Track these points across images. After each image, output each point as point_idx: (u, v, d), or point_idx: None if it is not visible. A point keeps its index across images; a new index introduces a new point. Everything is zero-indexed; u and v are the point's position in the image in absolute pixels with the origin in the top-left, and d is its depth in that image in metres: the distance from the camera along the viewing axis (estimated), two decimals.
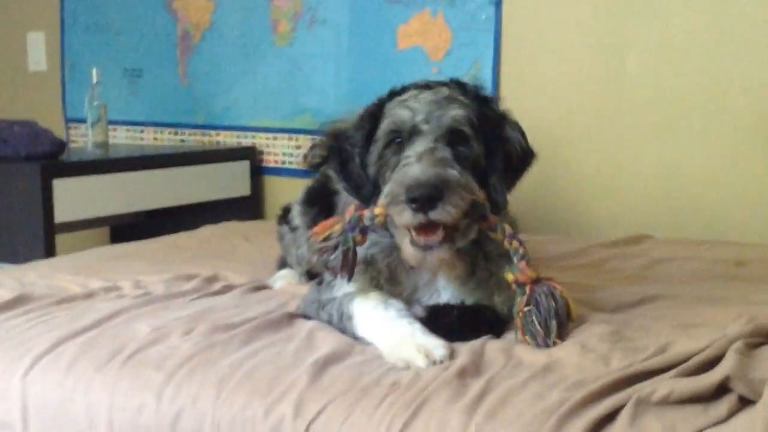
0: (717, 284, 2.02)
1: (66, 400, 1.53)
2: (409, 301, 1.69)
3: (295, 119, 3.54)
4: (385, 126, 1.64)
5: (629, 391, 1.27)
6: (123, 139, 3.89)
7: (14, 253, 2.82)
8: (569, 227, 2.98)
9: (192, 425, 1.44)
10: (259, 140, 3.62)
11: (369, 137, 1.68)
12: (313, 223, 2.12)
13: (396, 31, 3.29)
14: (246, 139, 3.65)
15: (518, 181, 1.72)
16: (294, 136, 3.55)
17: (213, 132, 3.72)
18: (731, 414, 1.21)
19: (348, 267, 1.61)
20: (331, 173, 2.21)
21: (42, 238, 2.79)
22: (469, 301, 1.68)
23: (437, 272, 1.68)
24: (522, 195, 2.90)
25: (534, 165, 1.73)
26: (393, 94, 1.70)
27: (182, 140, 3.80)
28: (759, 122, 2.73)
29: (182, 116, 3.79)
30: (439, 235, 1.54)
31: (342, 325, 1.67)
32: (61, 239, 3.01)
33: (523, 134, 1.72)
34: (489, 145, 1.65)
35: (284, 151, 3.57)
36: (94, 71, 3.34)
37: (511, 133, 1.69)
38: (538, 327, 1.53)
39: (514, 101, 3.03)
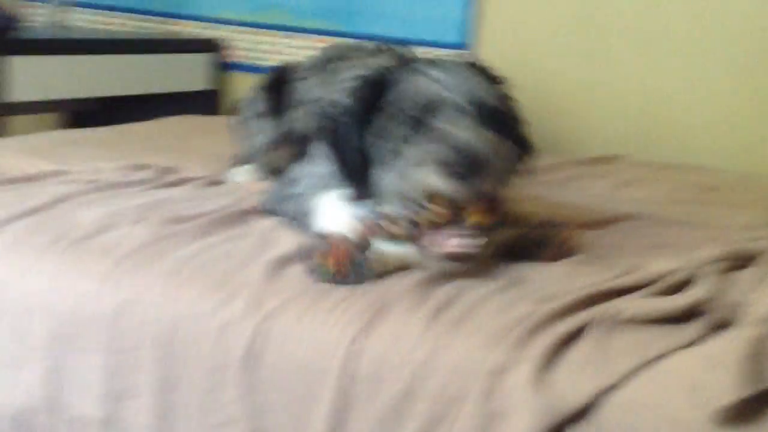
0: (688, 207, 1.98)
1: (2, 284, 1.45)
2: None
3: (263, 13, 3.39)
4: (398, 93, 1.43)
5: (598, 308, 1.23)
6: (81, 22, 3.72)
7: None
8: (541, 142, 2.91)
9: (137, 318, 1.37)
10: (222, 33, 3.48)
11: (367, 106, 1.47)
12: (269, 110, 2.04)
13: None
14: (212, 31, 3.50)
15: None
16: (261, 31, 3.41)
17: (172, 21, 3.57)
18: (701, 337, 1.17)
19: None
20: (295, 65, 2.11)
21: None
22: None
23: None
24: None
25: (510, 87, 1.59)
26: (401, 63, 1.52)
27: (143, 27, 3.64)
28: (741, 48, 2.67)
29: (143, 2, 3.62)
30: (479, 241, 1.36)
31: (303, 220, 1.60)
32: (14, 122, 2.89)
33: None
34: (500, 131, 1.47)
35: (251, 46, 3.43)
36: None
37: (519, 126, 1.55)
38: None
39: (493, 9, 2.98)
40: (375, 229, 1.38)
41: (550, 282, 1.37)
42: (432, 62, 1.50)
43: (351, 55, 2.01)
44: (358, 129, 1.47)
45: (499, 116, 1.44)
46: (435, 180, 1.32)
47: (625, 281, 1.31)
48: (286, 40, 3.35)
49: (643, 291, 1.27)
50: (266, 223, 1.64)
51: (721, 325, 1.18)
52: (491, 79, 1.52)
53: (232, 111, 2.19)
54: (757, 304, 1.13)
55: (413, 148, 1.37)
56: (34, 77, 2.83)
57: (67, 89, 2.97)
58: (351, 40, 2.43)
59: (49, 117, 3.60)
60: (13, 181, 1.84)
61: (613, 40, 2.84)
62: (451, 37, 3.03)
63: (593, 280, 1.35)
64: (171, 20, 3.57)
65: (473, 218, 1.36)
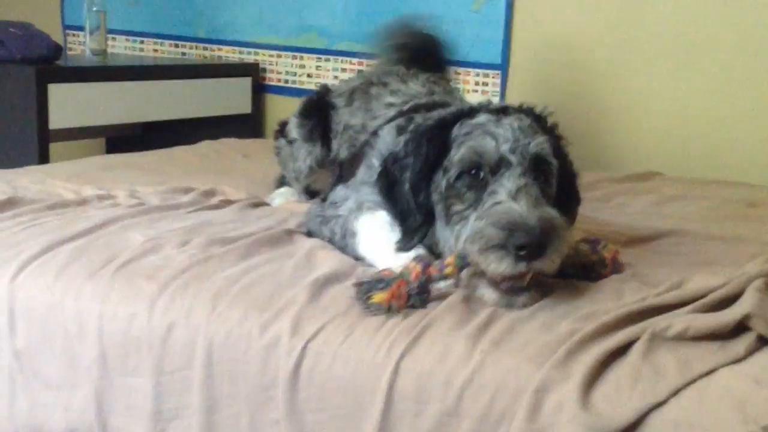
0: (729, 223, 1.96)
1: (55, 306, 1.48)
2: None
3: (300, 37, 3.43)
4: (462, 154, 1.42)
5: (643, 325, 1.22)
6: (122, 49, 3.79)
7: (7, 159, 2.75)
8: (578, 160, 2.91)
9: (184, 339, 1.39)
10: (262, 57, 3.52)
11: (429, 162, 1.48)
12: (308, 134, 2.07)
13: None
14: (248, 56, 3.55)
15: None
16: (298, 54, 3.45)
17: (215, 47, 3.62)
18: (748, 353, 1.16)
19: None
20: (332, 88, 2.14)
21: (36, 144, 2.72)
22: None
23: None
24: None
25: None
26: (460, 115, 1.51)
27: (183, 53, 3.69)
28: None
29: (184, 29, 3.68)
30: (526, 279, 1.34)
31: (344, 242, 1.61)
32: (55, 148, 2.95)
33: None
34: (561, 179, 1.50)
35: (287, 69, 3.48)
36: None
37: (572, 169, 1.57)
38: None
39: (527, 28, 2.98)
40: (432, 271, 1.37)
41: (593, 300, 1.37)
42: (491, 111, 1.49)
43: (387, 80, 2.03)
44: (419, 187, 1.48)
45: (550, 171, 1.45)
46: (496, 267, 1.31)
47: (669, 298, 1.30)
48: (323, 63, 3.38)
49: (689, 307, 1.26)
50: (309, 243, 1.65)
51: (766, 342, 1.17)
52: (547, 129, 1.51)
53: (273, 134, 2.22)
54: None
55: (477, 222, 1.36)
56: (76, 104, 2.88)
57: (108, 115, 3.03)
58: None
59: (90, 142, 3.66)
60: (59, 206, 1.87)
61: (651, 57, 2.83)
62: (490, 58, 3.04)
63: (637, 297, 1.35)
64: (210, 46, 3.62)
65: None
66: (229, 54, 3.60)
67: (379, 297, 1.34)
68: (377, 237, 1.56)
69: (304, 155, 2.07)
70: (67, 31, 3.90)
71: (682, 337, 1.18)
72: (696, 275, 1.40)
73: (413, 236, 1.48)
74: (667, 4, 2.78)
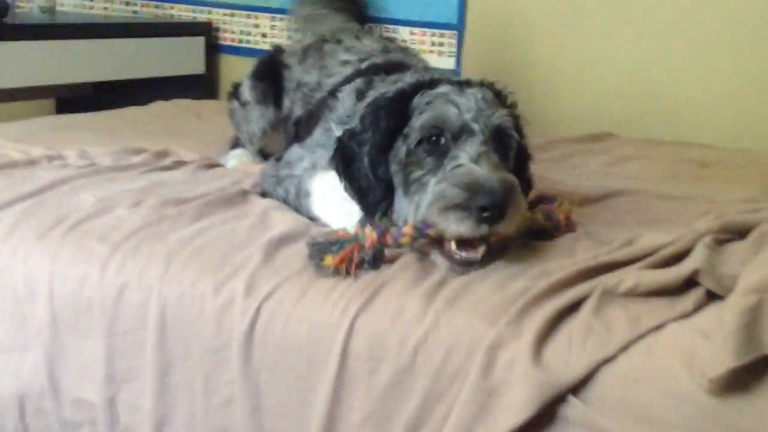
0: (681, 183, 1.99)
1: (3, 268, 1.46)
2: None
3: None
4: (424, 121, 1.42)
5: (594, 282, 1.24)
6: (71, 7, 3.70)
7: None
8: (534, 120, 2.92)
9: (137, 300, 1.38)
10: (215, 16, 3.46)
11: (388, 134, 1.46)
12: (262, 96, 2.05)
13: None
14: (201, 15, 3.49)
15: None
16: (252, 13, 3.39)
17: (166, 5, 3.55)
18: (697, 308, 1.18)
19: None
20: (285, 48, 2.12)
21: None
22: None
23: None
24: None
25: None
26: (420, 86, 1.50)
27: (134, 11, 3.62)
28: (728, 24, 2.67)
29: None
30: (482, 251, 1.34)
31: (299, 202, 1.60)
32: (2, 108, 2.88)
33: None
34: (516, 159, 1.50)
35: (241, 29, 3.42)
36: None
37: (528, 151, 1.58)
38: None
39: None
40: (387, 239, 1.37)
41: (546, 258, 1.38)
42: (452, 82, 1.49)
43: (341, 37, 2.01)
44: (378, 160, 1.46)
45: (509, 142, 1.46)
46: (456, 227, 1.30)
47: (620, 255, 1.32)
48: (278, 23, 3.34)
49: (639, 264, 1.28)
50: (263, 204, 1.64)
51: (716, 296, 1.19)
52: (507, 106, 1.52)
53: (227, 96, 2.20)
54: (749, 274, 1.14)
55: (438, 184, 1.35)
56: (24, 63, 2.81)
57: (57, 75, 2.96)
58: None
59: (39, 103, 3.58)
60: (7, 166, 1.83)
61: (605, 18, 2.83)
62: (444, 18, 3.02)
63: (589, 255, 1.36)
64: (162, 4, 3.55)
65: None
66: (182, 12, 3.53)
67: (330, 259, 1.33)
68: (331, 197, 1.55)
69: (257, 117, 2.06)
70: None
71: (632, 293, 1.20)
72: (646, 233, 1.41)
73: (375, 211, 1.47)
74: None
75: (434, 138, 1.41)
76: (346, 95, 1.68)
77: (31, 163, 1.86)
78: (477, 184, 1.30)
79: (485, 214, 1.28)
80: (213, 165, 1.99)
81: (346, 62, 1.90)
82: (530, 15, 2.93)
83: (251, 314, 1.30)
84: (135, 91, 3.20)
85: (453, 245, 1.33)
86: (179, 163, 1.95)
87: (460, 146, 1.38)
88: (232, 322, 1.31)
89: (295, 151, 1.73)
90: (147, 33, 3.23)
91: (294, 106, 1.97)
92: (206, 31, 3.42)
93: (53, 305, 1.42)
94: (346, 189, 1.50)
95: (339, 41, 1.99)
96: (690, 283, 1.21)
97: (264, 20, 3.35)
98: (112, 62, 3.08)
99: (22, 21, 3.05)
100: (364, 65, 1.83)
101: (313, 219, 1.57)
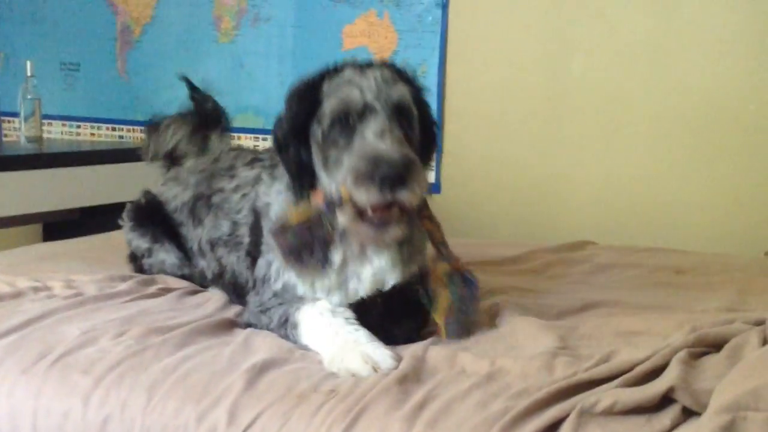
0: (658, 291, 2.02)
1: None
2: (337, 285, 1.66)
3: (237, 117, 3.46)
4: (332, 105, 1.58)
5: (573, 400, 1.25)
6: (58, 134, 3.78)
7: None
8: (512, 232, 2.97)
9: None
10: None
11: (299, 120, 1.63)
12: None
13: (342, 32, 3.25)
14: None
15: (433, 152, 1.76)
16: (236, 135, 3.47)
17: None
18: (675, 425, 1.19)
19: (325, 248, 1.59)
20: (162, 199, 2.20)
21: None
22: (391, 281, 1.68)
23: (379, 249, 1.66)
24: (465, 197, 2.90)
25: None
26: (328, 74, 1.64)
27: (120, 137, 3.70)
28: (700, 129, 2.75)
29: (121, 112, 3.69)
30: (396, 212, 1.52)
31: (284, 331, 1.62)
32: None
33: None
34: (422, 126, 1.66)
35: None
36: (28, 64, 3.25)
37: (432, 117, 1.73)
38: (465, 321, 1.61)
39: (458, 103, 3.06)
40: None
41: (525, 376, 1.39)
42: (355, 66, 1.63)
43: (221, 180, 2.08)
44: (295, 145, 1.63)
45: (411, 117, 1.61)
46: (366, 195, 1.49)
47: (598, 372, 1.33)
48: (261, 142, 3.42)
49: (617, 381, 1.30)
50: (247, 330, 1.66)
51: (694, 413, 1.20)
52: (408, 81, 1.67)
53: None
54: (722, 392, 1.16)
55: (350, 160, 1.53)
56: (12, 192, 2.87)
57: (45, 202, 3.01)
58: None
59: (27, 229, 3.62)
60: None
61: (576, 130, 2.92)
62: None
63: (568, 371, 1.38)
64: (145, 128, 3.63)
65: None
66: None
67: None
68: (320, 325, 1.57)
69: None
70: (2, 118, 3.88)
71: (610, 412, 1.21)
72: (624, 348, 1.44)
73: (302, 191, 1.63)
74: (595, 76, 2.89)
75: (343, 119, 1.57)
76: (274, 199, 1.79)
77: (18, 295, 1.88)
78: (379, 157, 1.49)
79: (388, 183, 1.46)
80: (198, 291, 2.01)
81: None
82: (505, 127, 3.02)
83: None
84: (121, 215, 3.23)
85: (369, 212, 1.51)
86: (165, 290, 1.97)
87: (365, 124, 1.55)
88: None
89: (261, 264, 1.77)
90: (133, 158, 3.28)
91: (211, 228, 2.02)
92: None
93: None
94: (285, 169, 1.67)
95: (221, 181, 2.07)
96: (667, 399, 1.23)
97: (246, 140, 3.43)
98: (99, 187, 3.14)
99: (9, 152, 3.12)
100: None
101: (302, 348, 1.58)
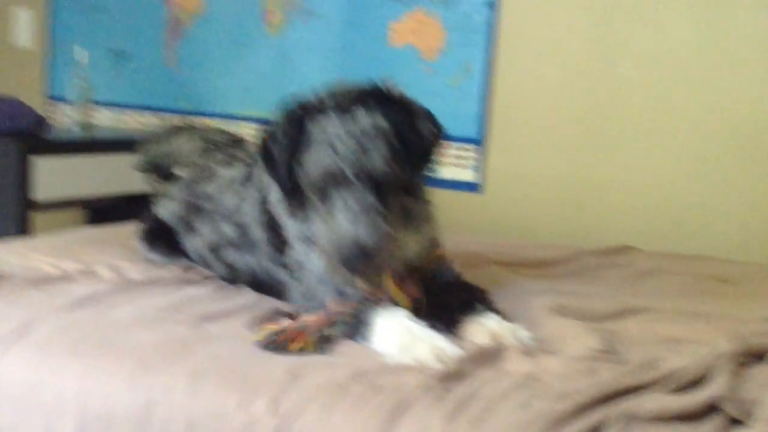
0: (702, 299, 2.00)
1: (36, 384, 1.48)
2: None
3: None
4: (309, 166, 1.60)
5: (617, 405, 1.24)
6: (106, 120, 3.83)
7: None
8: (555, 235, 2.96)
9: (163, 415, 1.39)
10: (246, 130, 3.57)
11: (291, 149, 1.64)
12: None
13: (389, 28, 3.25)
14: (232, 128, 3.59)
15: (432, 162, 1.72)
16: None
17: (198, 119, 3.67)
18: None
19: None
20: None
21: (17, 216, 2.73)
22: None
23: None
24: (508, 199, 2.89)
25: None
26: (311, 109, 1.64)
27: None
28: (751, 135, 2.71)
29: (168, 101, 3.73)
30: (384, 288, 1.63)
31: (357, 331, 1.60)
32: (37, 218, 2.96)
33: (430, 116, 1.72)
34: (407, 147, 1.63)
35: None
36: (79, 50, 3.29)
37: (423, 125, 1.68)
38: None
39: (504, 104, 3.05)
40: (332, 317, 1.57)
41: (567, 378, 1.39)
42: (339, 107, 1.61)
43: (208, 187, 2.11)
44: (288, 168, 1.65)
45: (390, 177, 1.59)
46: (347, 284, 1.59)
47: (641, 378, 1.33)
48: None
49: (659, 387, 1.29)
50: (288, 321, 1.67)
51: (737, 422, 1.19)
52: (400, 109, 1.65)
53: None
54: None
55: (325, 230, 1.57)
56: (59, 176, 2.91)
57: (91, 187, 3.05)
58: None
59: (73, 213, 3.67)
60: (41, 281, 1.88)
61: (622, 134, 2.90)
62: (466, 132, 3.10)
63: (609, 376, 1.37)
64: (193, 118, 3.67)
65: (394, 294, 1.63)
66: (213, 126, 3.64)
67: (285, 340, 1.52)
68: (390, 322, 1.56)
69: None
70: (53, 103, 3.94)
71: (655, 418, 1.20)
72: (668, 354, 1.43)
73: (295, 204, 1.67)
74: (643, 82, 2.86)
75: (320, 182, 1.59)
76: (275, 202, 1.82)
77: (65, 278, 1.92)
78: (351, 244, 1.51)
79: (360, 268, 1.53)
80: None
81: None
82: (552, 123, 3.00)
83: None
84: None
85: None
86: (206, 278, 1.99)
87: (340, 194, 1.56)
88: None
89: (290, 253, 1.80)
90: None
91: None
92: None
93: (82, 420, 1.44)
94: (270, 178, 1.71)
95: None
96: (712, 407, 1.22)
97: None
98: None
99: (59, 136, 3.16)
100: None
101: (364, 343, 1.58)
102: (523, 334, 1.56)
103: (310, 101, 1.67)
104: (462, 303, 1.67)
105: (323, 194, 1.59)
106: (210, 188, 2.04)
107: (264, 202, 1.85)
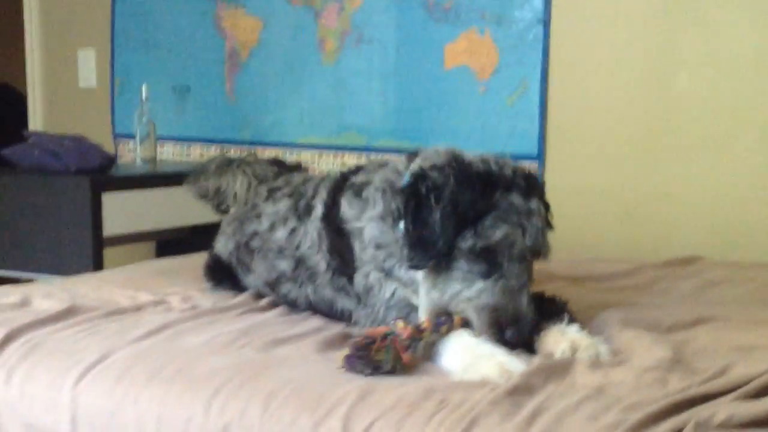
0: None
1: (115, 411, 1.53)
2: None
3: (341, 136, 3.54)
4: (499, 238, 1.60)
5: (688, 414, 1.24)
6: (170, 155, 3.93)
7: (63, 266, 2.85)
8: (619, 248, 2.94)
9: None
10: (305, 157, 3.63)
11: (472, 208, 1.61)
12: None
13: (443, 50, 3.28)
14: (292, 156, 3.65)
15: None
16: (339, 152, 3.55)
17: (259, 148, 3.73)
18: None
19: None
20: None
21: (91, 251, 2.82)
22: None
23: None
24: (571, 215, 2.88)
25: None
26: (500, 183, 1.63)
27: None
28: None
29: (229, 133, 3.81)
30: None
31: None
32: (107, 252, 3.04)
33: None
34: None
35: (330, 168, 3.57)
36: (143, 87, 3.40)
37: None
38: None
39: (561, 119, 3.05)
40: (416, 332, 1.55)
41: (638, 389, 1.39)
42: (521, 190, 1.63)
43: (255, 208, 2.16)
44: (449, 224, 1.60)
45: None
46: (481, 327, 1.58)
47: (714, 386, 1.32)
48: (363, 160, 3.48)
49: (733, 395, 1.28)
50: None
51: None
52: (544, 199, 1.72)
53: None
54: None
55: (484, 294, 1.59)
56: (128, 210, 3.00)
57: (158, 220, 3.13)
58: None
59: (141, 246, 3.77)
60: (116, 312, 1.94)
61: (681, 146, 2.87)
62: (526, 149, 3.10)
63: (682, 385, 1.36)
64: (254, 148, 3.74)
65: None
66: (273, 155, 3.70)
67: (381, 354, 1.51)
68: (457, 341, 1.59)
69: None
70: (118, 140, 4.06)
71: (727, 426, 1.20)
72: (740, 362, 1.41)
73: (425, 264, 1.62)
74: (700, 92, 2.84)
75: (494, 253, 1.59)
76: (367, 224, 1.79)
77: (138, 308, 1.98)
78: (512, 316, 1.56)
79: (504, 327, 1.56)
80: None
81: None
82: (610, 138, 2.99)
83: None
84: None
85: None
86: (275, 304, 2.03)
87: (509, 268, 1.59)
88: None
89: (357, 279, 1.81)
90: None
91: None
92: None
93: None
94: (405, 225, 1.64)
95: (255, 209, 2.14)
96: None
97: (350, 158, 3.49)
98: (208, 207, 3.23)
99: (125, 172, 3.26)
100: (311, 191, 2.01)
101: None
102: (603, 348, 1.57)
103: (491, 171, 1.65)
104: (546, 313, 1.68)
105: (490, 262, 1.60)
106: (257, 226, 2.07)
107: (340, 222, 1.86)
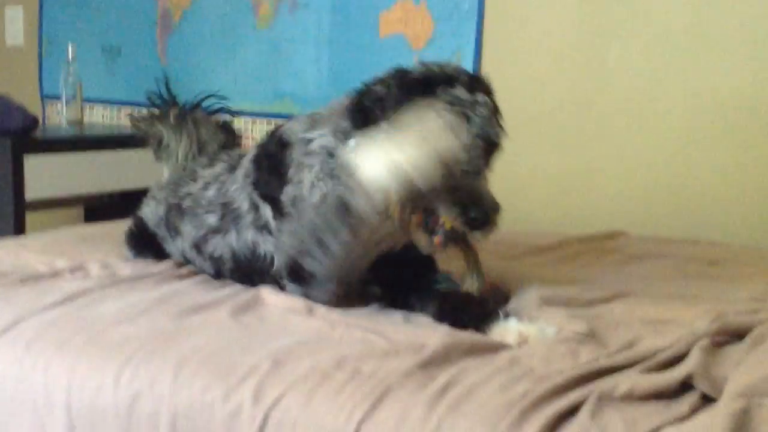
0: (689, 282, 2.01)
1: (24, 379, 1.50)
2: None
3: (274, 103, 3.50)
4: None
5: (593, 385, 1.26)
6: (99, 117, 3.85)
7: None
8: (544, 221, 2.97)
9: (149, 408, 1.41)
10: (237, 124, 3.58)
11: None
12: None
13: (378, 18, 3.26)
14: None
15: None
16: (273, 120, 3.51)
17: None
18: (693, 411, 1.20)
19: None
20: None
21: (11, 216, 2.76)
22: None
23: None
24: (498, 189, 2.89)
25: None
26: (439, 81, 1.64)
27: None
28: (740, 120, 2.72)
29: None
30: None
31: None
32: (31, 217, 2.98)
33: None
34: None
35: (263, 135, 3.53)
36: (70, 47, 3.31)
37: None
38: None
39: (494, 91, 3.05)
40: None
41: (549, 360, 1.41)
42: (465, 84, 1.66)
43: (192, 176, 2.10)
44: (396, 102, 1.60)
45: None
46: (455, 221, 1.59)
47: (620, 358, 1.34)
48: None
49: (638, 367, 1.31)
50: (279, 308, 1.69)
51: (712, 399, 1.21)
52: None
53: None
54: (737, 378, 1.17)
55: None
56: (53, 174, 2.93)
57: (85, 185, 3.07)
58: None
59: (68, 212, 3.70)
60: (30, 278, 1.90)
61: (613, 119, 2.90)
62: None
63: (591, 357, 1.39)
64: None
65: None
66: None
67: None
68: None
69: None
70: (46, 101, 3.96)
71: (629, 397, 1.22)
72: (647, 335, 1.44)
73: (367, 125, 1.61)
74: (630, 68, 2.87)
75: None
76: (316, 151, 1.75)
77: (55, 275, 1.93)
78: (471, 196, 1.59)
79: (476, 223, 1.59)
80: None
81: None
82: (541, 110, 3.01)
83: (259, 422, 1.33)
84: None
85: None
86: (195, 273, 2.01)
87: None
88: (240, 430, 1.34)
89: (287, 190, 1.77)
90: None
91: None
92: None
93: (70, 415, 1.46)
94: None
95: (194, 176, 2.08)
96: (686, 386, 1.24)
97: None
98: (138, 171, 3.18)
99: (51, 134, 3.18)
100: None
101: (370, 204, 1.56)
102: (549, 330, 1.55)
103: (429, 70, 1.67)
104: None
105: None
106: (191, 188, 2.03)
107: (281, 136, 1.84)
